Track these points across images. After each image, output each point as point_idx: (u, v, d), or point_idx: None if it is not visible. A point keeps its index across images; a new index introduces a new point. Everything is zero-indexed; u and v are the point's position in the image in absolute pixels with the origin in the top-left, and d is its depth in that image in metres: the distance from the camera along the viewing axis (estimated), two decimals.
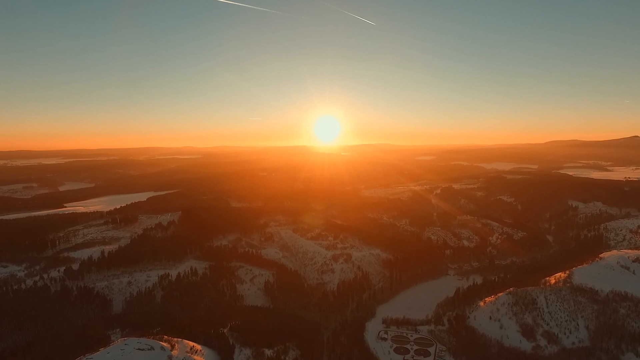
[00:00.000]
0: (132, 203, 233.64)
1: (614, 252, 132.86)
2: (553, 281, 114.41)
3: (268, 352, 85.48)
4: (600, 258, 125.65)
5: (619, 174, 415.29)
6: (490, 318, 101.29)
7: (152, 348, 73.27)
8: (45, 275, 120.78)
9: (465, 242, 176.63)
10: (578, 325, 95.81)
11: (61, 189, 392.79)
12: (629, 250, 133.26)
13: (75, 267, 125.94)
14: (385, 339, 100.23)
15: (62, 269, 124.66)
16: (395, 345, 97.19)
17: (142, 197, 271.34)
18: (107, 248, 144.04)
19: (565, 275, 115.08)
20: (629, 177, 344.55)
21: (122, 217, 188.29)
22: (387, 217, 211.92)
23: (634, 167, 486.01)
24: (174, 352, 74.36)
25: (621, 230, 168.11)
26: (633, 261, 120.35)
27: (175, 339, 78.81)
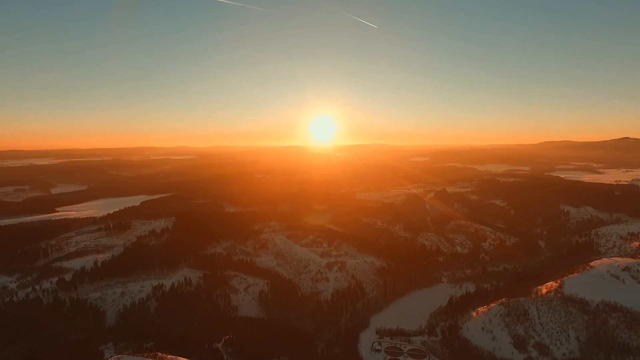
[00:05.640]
0: (125, 208, 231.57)
1: (605, 260, 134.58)
2: (544, 291, 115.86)
3: None
4: (591, 266, 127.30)
5: (610, 176, 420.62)
6: (483, 329, 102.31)
7: None
8: (37, 287, 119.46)
9: (459, 248, 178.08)
10: (569, 336, 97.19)
11: (53, 191, 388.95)
12: (619, 258, 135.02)
13: (67, 277, 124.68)
14: (378, 351, 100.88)
15: (55, 279, 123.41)
16: (388, 357, 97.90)
17: (136, 200, 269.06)
18: (100, 257, 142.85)
19: (557, 284, 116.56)
20: (620, 181, 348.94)
21: (115, 223, 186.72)
22: (381, 222, 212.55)
23: (625, 170, 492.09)
24: None
25: (611, 236, 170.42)
26: (623, 270, 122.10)
27: (169, 356, 78.64)
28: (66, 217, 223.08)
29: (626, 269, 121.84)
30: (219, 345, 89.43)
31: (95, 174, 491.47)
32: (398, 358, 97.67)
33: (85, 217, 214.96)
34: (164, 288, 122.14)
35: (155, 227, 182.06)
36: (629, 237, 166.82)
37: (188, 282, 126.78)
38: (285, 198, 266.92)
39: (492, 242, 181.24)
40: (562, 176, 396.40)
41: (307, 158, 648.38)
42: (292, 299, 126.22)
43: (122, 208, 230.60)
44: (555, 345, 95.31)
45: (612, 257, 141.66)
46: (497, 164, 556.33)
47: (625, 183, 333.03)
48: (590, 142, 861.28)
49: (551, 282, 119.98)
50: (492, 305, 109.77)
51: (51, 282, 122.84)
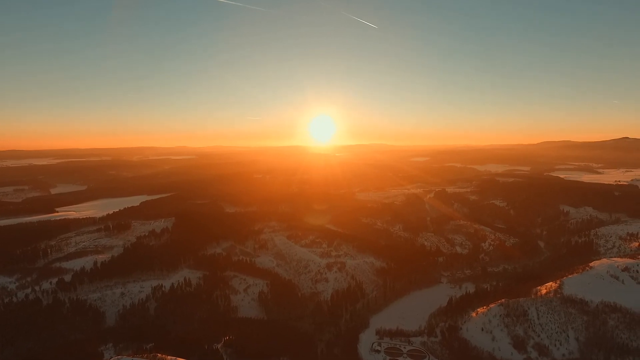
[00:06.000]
0: (125, 208, 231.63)
1: (604, 260, 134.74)
2: (544, 291, 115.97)
3: None
4: (591, 267, 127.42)
5: (610, 177, 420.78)
6: (482, 329, 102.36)
7: None
8: (37, 288, 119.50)
9: (458, 249, 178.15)
10: (568, 336, 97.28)
11: (53, 191, 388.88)
12: (618, 259, 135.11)
13: (67, 278, 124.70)
14: (378, 351, 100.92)
15: (55, 280, 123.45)
16: (388, 358, 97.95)
17: (136, 201, 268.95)
18: (100, 258, 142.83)
19: (556, 285, 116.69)
20: (619, 181, 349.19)
21: (115, 223, 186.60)
22: (381, 222, 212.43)
23: (624, 170, 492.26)
24: None
25: (611, 237, 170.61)
26: (622, 270, 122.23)
27: (169, 357, 78.55)
28: (66, 217, 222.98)
29: (625, 269, 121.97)
30: (219, 346, 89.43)
31: (95, 174, 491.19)
32: (397, 359, 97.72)
33: (84, 217, 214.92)
34: (163, 289, 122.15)
35: (155, 228, 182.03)
36: (628, 238, 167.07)
37: (188, 282, 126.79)
38: (285, 198, 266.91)
39: (492, 243, 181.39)
40: (562, 176, 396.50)
41: (307, 158, 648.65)
42: (292, 299, 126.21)
43: (121, 208, 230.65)
44: (555, 345, 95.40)
45: (611, 257, 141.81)
46: (497, 164, 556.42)
47: (625, 183, 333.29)
48: (589, 142, 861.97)
49: (551, 283, 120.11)
50: (491, 305, 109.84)
51: (51, 282, 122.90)
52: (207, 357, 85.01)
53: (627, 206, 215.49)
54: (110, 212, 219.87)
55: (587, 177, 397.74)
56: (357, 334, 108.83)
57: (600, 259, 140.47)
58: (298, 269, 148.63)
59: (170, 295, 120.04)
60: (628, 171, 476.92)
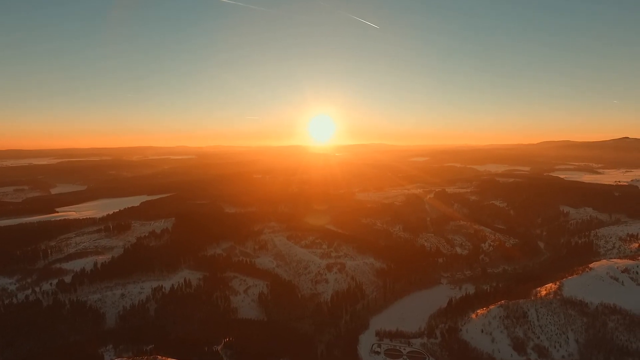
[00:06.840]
0: (125, 208, 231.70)
1: (604, 261, 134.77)
2: (544, 292, 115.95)
3: None
4: (590, 268, 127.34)
5: (610, 177, 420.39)
6: (482, 331, 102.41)
7: None
8: (37, 289, 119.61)
9: (458, 250, 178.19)
10: (568, 338, 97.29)
11: (53, 191, 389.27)
12: (618, 260, 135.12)
13: (67, 279, 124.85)
14: (378, 353, 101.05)
15: (55, 281, 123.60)
16: None
17: (136, 201, 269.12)
18: (100, 259, 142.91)
19: (556, 286, 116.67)
20: (619, 181, 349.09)
21: (115, 224, 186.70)
22: (380, 222, 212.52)
23: (625, 170, 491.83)
24: None
25: (611, 237, 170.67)
26: (622, 272, 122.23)
27: (169, 359, 78.68)
28: (66, 217, 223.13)
29: (625, 270, 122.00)
30: (219, 347, 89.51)
31: (95, 174, 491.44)
32: None
33: (84, 217, 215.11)
34: (163, 290, 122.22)
35: (155, 228, 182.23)
36: (628, 239, 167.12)
37: (188, 283, 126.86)
38: (285, 198, 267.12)
39: (492, 243, 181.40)
40: (562, 176, 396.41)
41: (307, 158, 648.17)
42: (292, 300, 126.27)
43: (121, 208, 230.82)
44: (555, 347, 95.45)
45: (611, 258, 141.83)
46: (497, 164, 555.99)
47: (625, 183, 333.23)
48: (589, 142, 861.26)
49: (550, 284, 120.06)
50: (491, 307, 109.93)
51: (51, 283, 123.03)
52: (207, 358, 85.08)
53: (627, 207, 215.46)
54: (110, 212, 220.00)
55: (587, 177, 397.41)
56: (357, 335, 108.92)
57: (600, 260, 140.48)
58: (298, 269, 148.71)
59: (170, 296, 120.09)
60: (628, 171, 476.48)
